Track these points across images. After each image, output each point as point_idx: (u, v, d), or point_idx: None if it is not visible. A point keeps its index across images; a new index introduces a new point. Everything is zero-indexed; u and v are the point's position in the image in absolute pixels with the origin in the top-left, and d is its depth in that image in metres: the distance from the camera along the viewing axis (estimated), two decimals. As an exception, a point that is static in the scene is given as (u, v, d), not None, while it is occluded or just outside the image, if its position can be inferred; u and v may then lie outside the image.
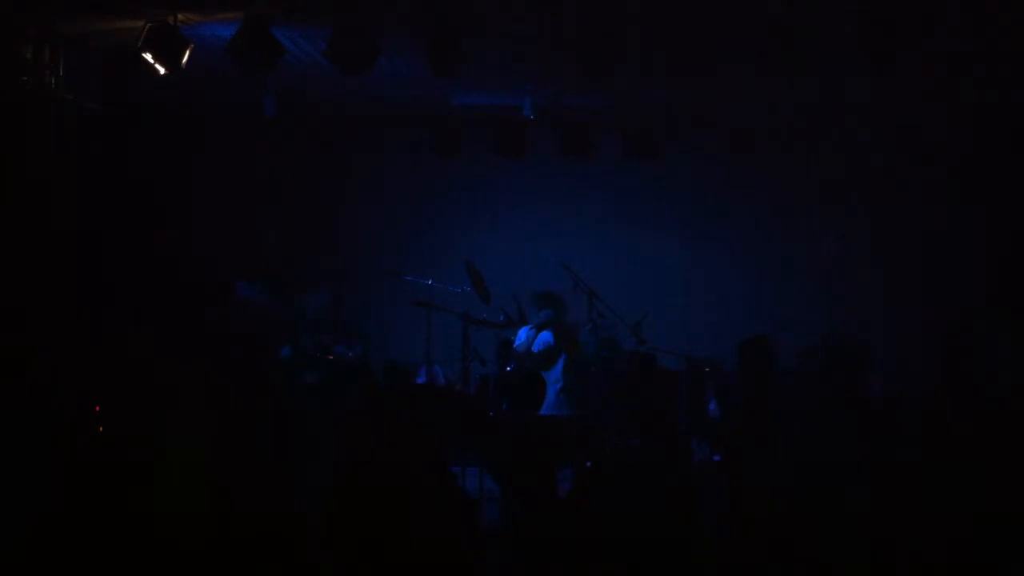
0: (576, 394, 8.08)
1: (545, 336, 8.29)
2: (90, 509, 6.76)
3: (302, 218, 11.01)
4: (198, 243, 10.63)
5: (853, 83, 7.80)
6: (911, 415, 7.44)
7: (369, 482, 5.88)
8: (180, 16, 6.61)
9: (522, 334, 8.40)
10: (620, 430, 9.38)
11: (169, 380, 8.34)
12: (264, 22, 6.59)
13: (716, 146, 10.90)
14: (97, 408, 7.80)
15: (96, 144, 10.19)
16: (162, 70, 6.68)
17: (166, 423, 7.58)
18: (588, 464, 8.80)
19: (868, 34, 6.48)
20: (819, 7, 6.31)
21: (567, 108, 9.28)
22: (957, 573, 5.47)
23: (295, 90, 8.66)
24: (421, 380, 8.63)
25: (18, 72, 6.84)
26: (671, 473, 7.68)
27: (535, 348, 8.17)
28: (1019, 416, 6.10)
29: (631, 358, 9.76)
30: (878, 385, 8.67)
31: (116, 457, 7.45)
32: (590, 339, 8.46)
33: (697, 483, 8.47)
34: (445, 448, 6.90)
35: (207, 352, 8.68)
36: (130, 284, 10.30)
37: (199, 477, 5.81)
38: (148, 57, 6.61)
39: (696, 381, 8.73)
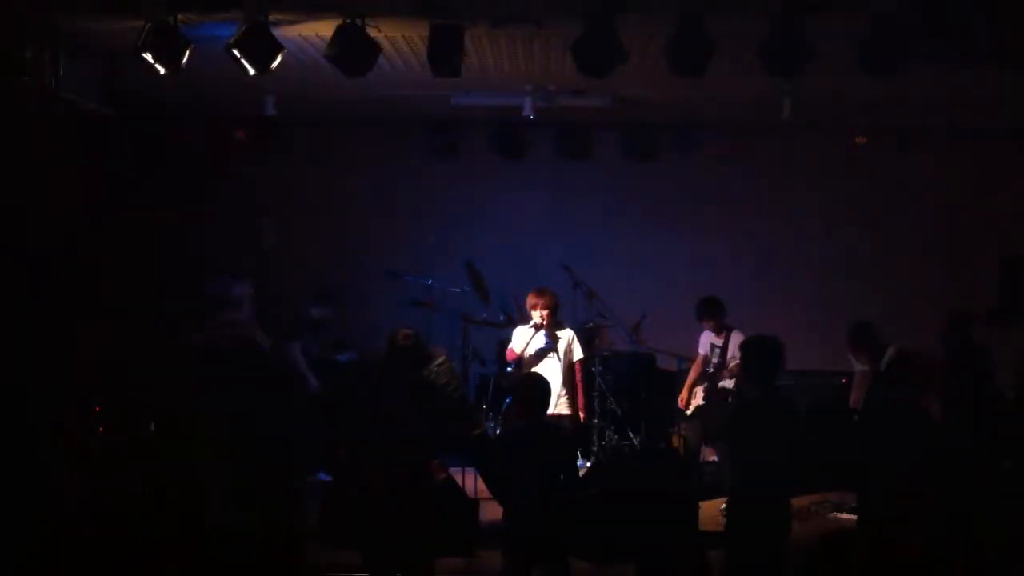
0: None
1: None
2: (90, 509, 6.77)
3: (302, 219, 11.02)
4: (197, 243, 10.66)
5: (853, 82, 7.77)
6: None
7: (368, 481, 5.88)
8: (180, 16, 6.61)
9: (516, 336, 8.16)
10: (620, 430, 9.41)
11: (166, 380, 8.36)
12: (264, 22, 6.58)
13: (716, 146, 10.92)
14: (97, 408, 7.79)
15: (96, 144, 10.21)
16: (162, 70, 6.68)
17: (165, 423, 7.59)
18: (587, 464, 8.84)
19: (870, 34, 6.47)
20: (819, 8, 6.31)
21: (567, 108, 9.27)
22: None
23: (295, 90, 8.65)
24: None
25: (18, 72, 6.83)
26: (670, 473, 7.70)
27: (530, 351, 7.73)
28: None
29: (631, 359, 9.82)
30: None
31: (116, 457, 7.46)
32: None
33: (697, 483, 8.51)
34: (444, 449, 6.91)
35: (203, 353, 8.69)
36: (130, 283, 10.32)
37: (199, 478, 5.82)
38: (148, 57, 6.60)
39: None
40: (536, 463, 5.41)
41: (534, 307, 7.56)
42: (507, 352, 7.75)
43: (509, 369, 9.14)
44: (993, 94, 8.89)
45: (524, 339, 7.59)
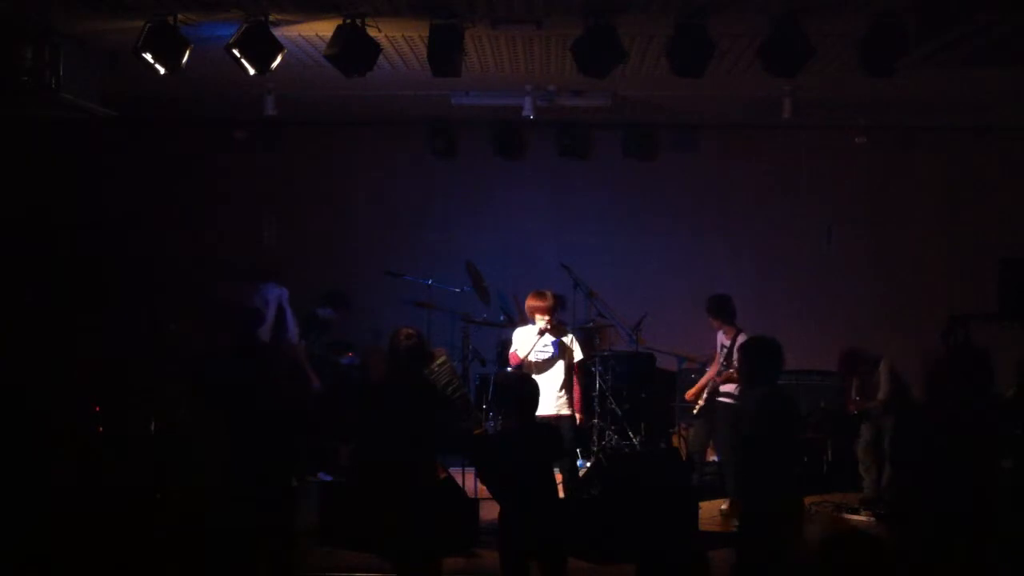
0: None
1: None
2: (90, 509, 6.77)
3: (302, 219, 11.02)
4: (197, 243, 10.65)
5: (853, 81, 7.77)
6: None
7: (370, 481, 5.89)
8: (180, 16, 6.61)
9: (518, 339, 7.84)
10: (620, 430, 9.41)
11: (169, 381, 8.35)
12: (264, 22, 6.58)
13: (716, 146, 10.93)
14: (97, 408, 7.80)
15: (95, 145, 10.22)
16: (162, 70, 6.68)
17: (167, 423, 7.59)
18: (587, 464, 8.84)
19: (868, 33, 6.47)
20: (818, 8, 6.31)
21: (567, 108, 9.27)
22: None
23: (295, 90, 8.65)
24: None
25: (18, 72, 6.83)
26: (670, 473, 7.70)
27: (533, 357, 7.61)
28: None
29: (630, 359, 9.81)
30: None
31: (116, 457, 7.46)
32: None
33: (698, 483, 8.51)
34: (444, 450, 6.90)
35: (207, 353, 8.67)
36: (130, 283, 10.31)
37: (199, 476, 5.82)
38: (148, 57, 6.61)
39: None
40: (531, 463, 5.41)
41: (537, 311, 7.46)
42: (510, 356, 7.63)
43: (509, 369, 9.15)
44: (993, 94, 8.89)
45: (528, 342, 7.52)
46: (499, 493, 5.47)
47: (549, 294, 7.56)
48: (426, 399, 5.97)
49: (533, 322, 7.63)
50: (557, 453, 5.71)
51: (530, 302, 7.57)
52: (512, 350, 7.63)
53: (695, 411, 8.61)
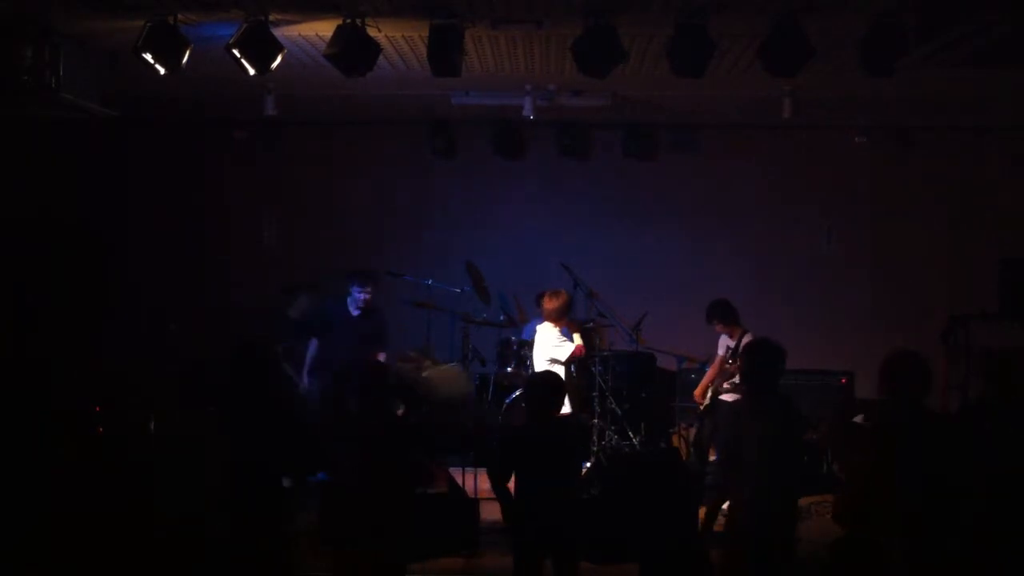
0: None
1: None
2: (90, 509, 6.77)
3: (303, 219, 11.02)
4: (197, 243, 10.66)
5: (853, 81, 7.77)
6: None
7: (367, 481, 5.89)
8: (180, 16, 6.61)
9: (550, 335, 8.23)
10: (620, 430, 9.41)
11: (167, 381, 8.34)
12: (264, 22, 6.58)
13: (716, 146, 10.93)
14: (97, 408, 7.80)
15: (96, 144, 10.22)
16: (162, 70, 6.68)
17: (166, 424, 7.59)
18: (587, 464, 8.84)
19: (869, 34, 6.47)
20: (819, 8, 6.31)
21: (567, 108, 9.27)
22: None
23: (295, 90, 8.65)
24: None
25: (18, 72, 6.83)
26: (671, 473, 7.70)
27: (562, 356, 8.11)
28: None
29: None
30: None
31: (116, 457, 7.46)
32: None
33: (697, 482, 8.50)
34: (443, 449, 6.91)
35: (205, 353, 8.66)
36: (130, 283, 10.31)
37: (198, 477, 5.81)
38: (148, 57, 6.61)
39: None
40: (553, 462, 5.40)
41: (561, 309, 7.91)
42: (577, 349, 8.13)
43: (509, 369, 9.17)
44: (993, 94, 8.89)
45: (557, 338, 7.95)
46: (518, 491, 5.43)
47: (565, 295, 8.01)
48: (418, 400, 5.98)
49: (541, 320, 7.83)
50: (578, 453, 5.73)
51: (553, 303, 7.97)
52: (577, 344, 8.14)
53: (701, 410, 8.60)
